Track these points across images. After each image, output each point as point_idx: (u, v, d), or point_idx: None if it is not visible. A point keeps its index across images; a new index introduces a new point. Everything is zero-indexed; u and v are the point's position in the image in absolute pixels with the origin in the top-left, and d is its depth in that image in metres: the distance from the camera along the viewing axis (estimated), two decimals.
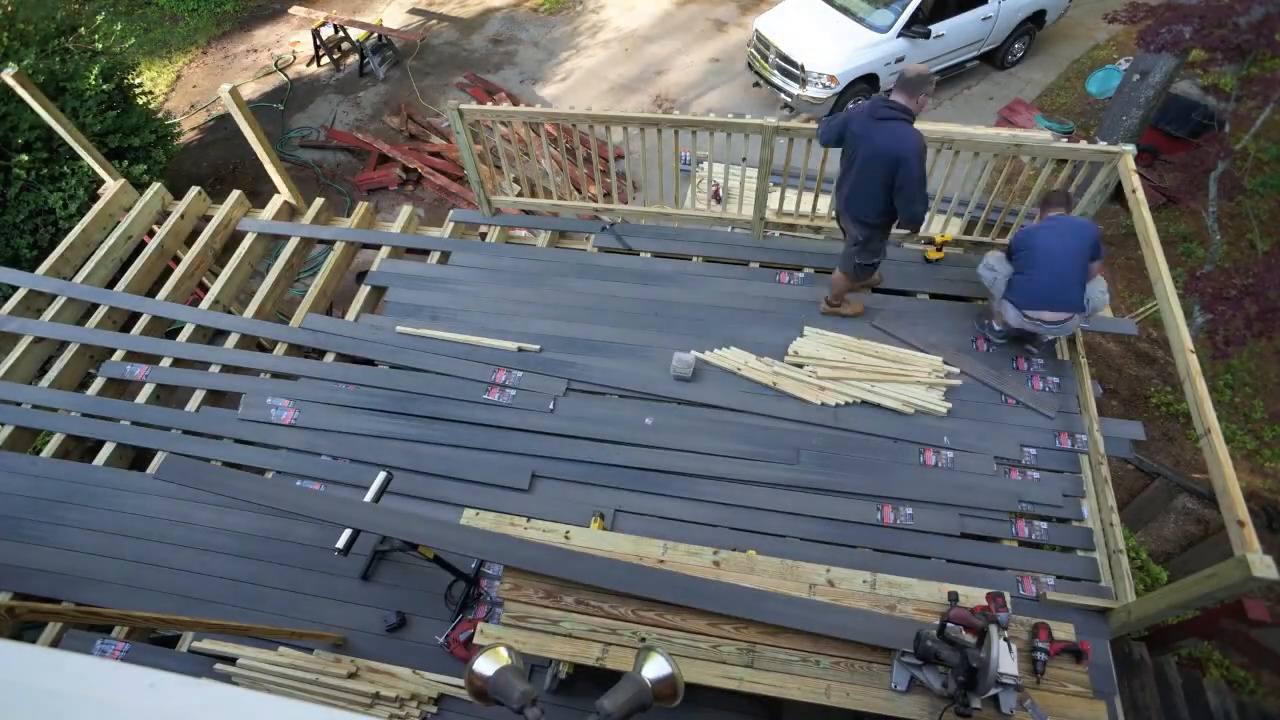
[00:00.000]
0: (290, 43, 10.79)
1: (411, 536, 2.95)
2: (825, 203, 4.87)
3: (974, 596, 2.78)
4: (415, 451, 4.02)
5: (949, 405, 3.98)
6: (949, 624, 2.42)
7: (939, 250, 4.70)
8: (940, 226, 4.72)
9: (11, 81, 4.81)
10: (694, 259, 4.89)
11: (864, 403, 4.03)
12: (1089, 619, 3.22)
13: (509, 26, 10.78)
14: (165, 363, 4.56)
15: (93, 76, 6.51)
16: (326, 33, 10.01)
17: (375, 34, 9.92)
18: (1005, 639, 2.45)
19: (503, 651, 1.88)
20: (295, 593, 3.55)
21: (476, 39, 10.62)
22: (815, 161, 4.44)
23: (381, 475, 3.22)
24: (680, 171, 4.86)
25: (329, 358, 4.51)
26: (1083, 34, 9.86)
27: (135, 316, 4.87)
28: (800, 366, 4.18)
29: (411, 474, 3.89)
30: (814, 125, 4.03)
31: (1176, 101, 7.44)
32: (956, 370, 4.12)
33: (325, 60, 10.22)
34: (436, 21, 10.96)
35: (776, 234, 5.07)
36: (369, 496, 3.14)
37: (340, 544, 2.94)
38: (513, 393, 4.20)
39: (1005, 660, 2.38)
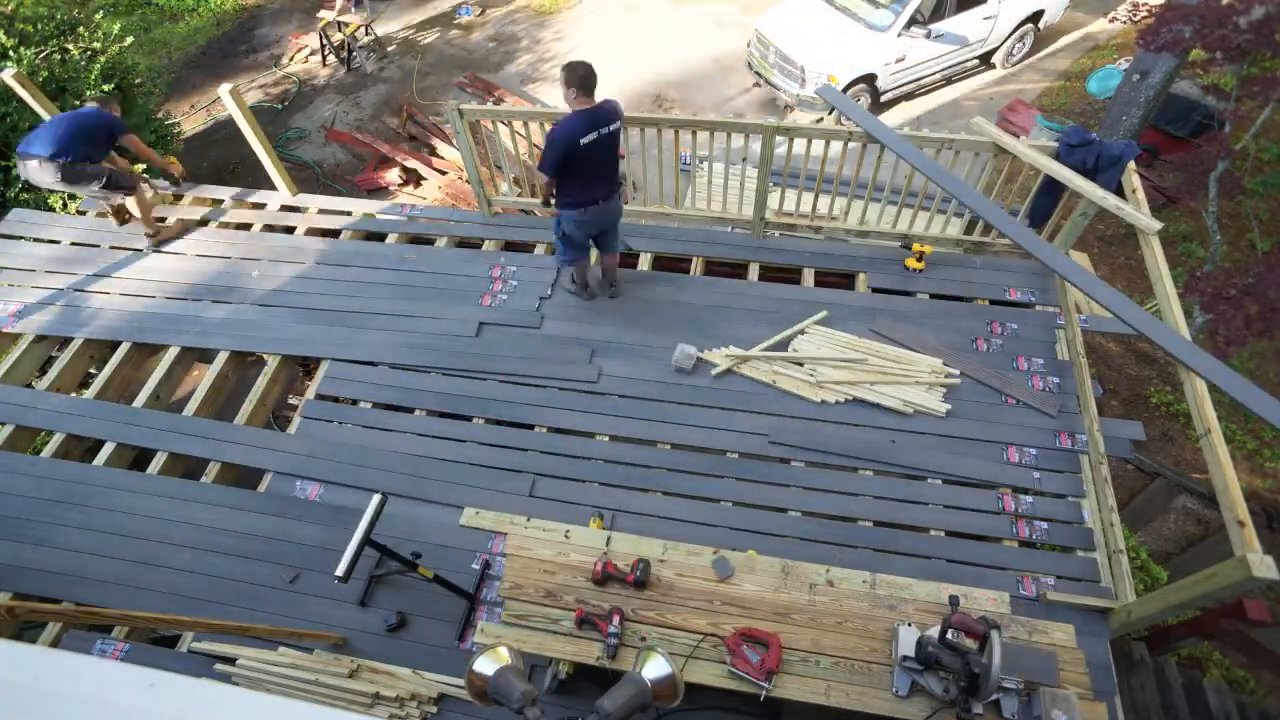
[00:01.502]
0: (293, 34, 10.80)
1: None
2: (825, 202, 4.88)
3: (975, 597, 2.79)
4: (416, 449, 4.03)
5: (949, 406, 3.97)
6: (950, 629, 2.42)
7: (919, 260, 4.65)
8: (940, 227, 4.72)
9: (11, 81, 4.81)
10: (694, 259, 4.89)
11: (862, 402, 4.03)
12: (1089, 619, 3.22)
13: (509, 27, 10.78)
14: (167, 362, 4.57)
15: (93, 77, 6.50)
16: (334, 34, 10.02)
17: (364, 28, 9.93)
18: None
19: (503, 651, 1.88)
20: (295, 593, 3.55)
21: (476, 39, 10.62)
22: (815, 162, 4.44)
23: (376, 499, 3.02)
24: (680, 171, 4.86)
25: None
26: (1083, 34, 9.86)
27: None
28: (800, 365, 4.18)
29: (412, 474, 3.91)
30: (815, 125, 4.03)
31: (1176, 101, 7.44)
32: (956, 372, 4.12)
33: (332, 59, 10.22)
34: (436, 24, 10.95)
35: (776, 234, 5.08)
36: (364, 522, 2.95)
37: (340, 571, 2.74)
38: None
39: (1008, 664, 2.38)
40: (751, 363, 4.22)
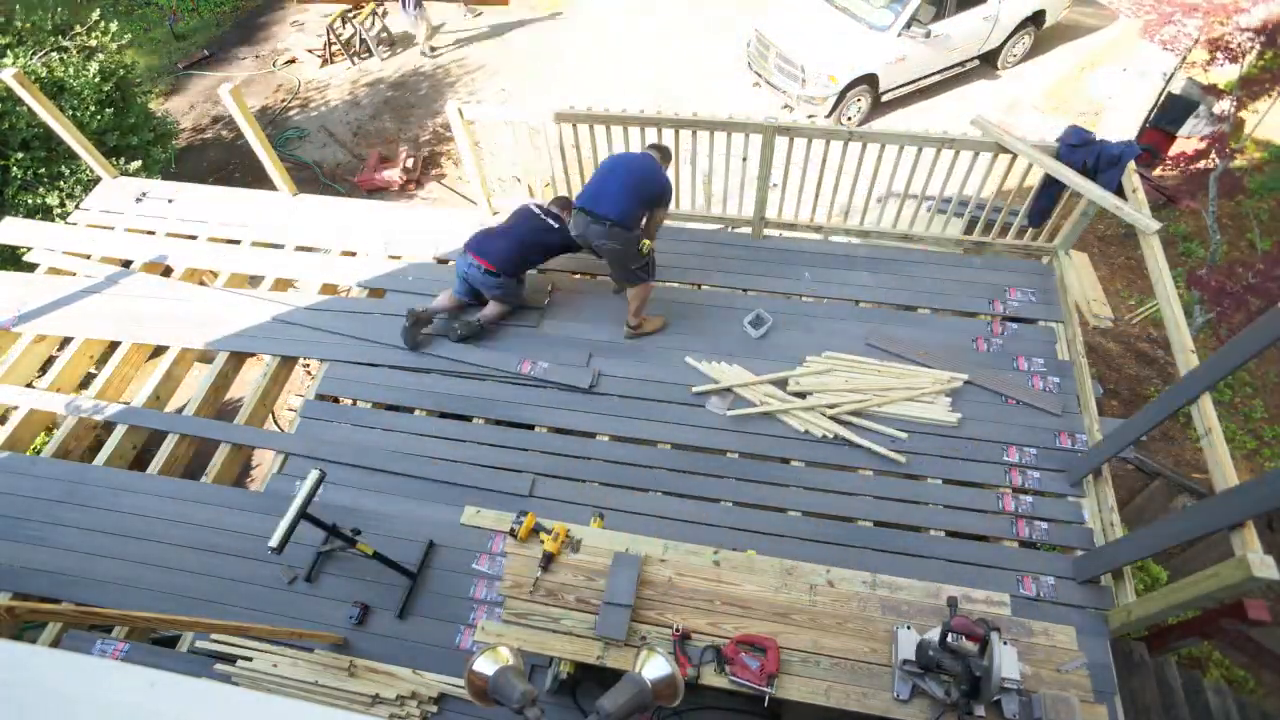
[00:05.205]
0: (293, 23, 10.84)
1: None
2: (825, 203, 4.87)
3: (974, 598, 2.79)
4: (416, 449, 4.03)
5: (959, 415, 3.94)
6: (950, 633, 2.42)
7: None
8: (941, 227, 4.72)
9: (11, 81, 4.81)
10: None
11: (864, 436, 3.92)
12: (1089, 619, 3.22)
13: (507, 28, 10.78)
14: (167, 362, 4.56)
15: (90, 75, 6.50)
16: (339, 30, 10.03)
17: (374, 19, 9.91)
18: (1006, 643, 2.44)
19: (503, 651, 1.88)
20: (295, 593, 3.54)
21: (475, 41, 10.62)
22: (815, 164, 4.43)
23: (314, 474, 3.00)
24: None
25: None
26: (1083, 33, 9.86)
27: None
28: (803, 396, 4.07)
29: (412, 474, 3.91)
30: (816, 124, 4.02)
31: (1176, 101, 7.44)
32: (963, 378, 4.10)
33: (340, 57, 10.21)
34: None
35: (777, 234, 5.07)
36: (300, 495, 2.95)
37: (273, 542, 2.74)
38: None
39: (1008, 665, 2.38)
40: (752, 389, 4.11)
